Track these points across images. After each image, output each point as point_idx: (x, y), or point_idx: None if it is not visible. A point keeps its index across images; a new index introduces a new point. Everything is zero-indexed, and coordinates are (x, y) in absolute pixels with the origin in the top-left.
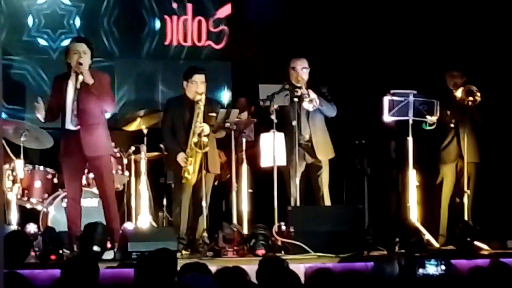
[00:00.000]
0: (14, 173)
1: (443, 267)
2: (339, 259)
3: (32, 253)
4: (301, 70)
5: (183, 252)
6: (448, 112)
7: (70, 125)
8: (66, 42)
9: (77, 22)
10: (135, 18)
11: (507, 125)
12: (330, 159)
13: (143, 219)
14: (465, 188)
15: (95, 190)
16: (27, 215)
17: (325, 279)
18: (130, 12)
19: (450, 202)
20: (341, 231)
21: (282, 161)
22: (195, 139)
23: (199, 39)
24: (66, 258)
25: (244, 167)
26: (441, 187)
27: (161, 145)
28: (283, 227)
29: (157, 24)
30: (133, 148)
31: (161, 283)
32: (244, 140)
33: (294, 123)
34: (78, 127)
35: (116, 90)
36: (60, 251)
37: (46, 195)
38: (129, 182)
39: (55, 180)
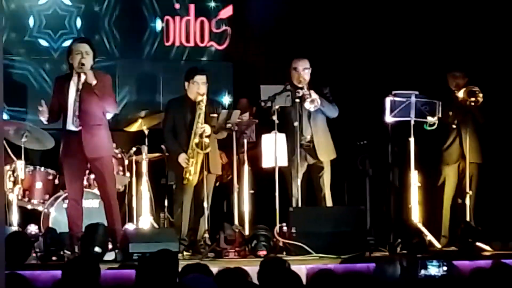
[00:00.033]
0: (15, 174)
1: (445, 268)
2: (341, 260)
3: (33, 254)
4: (303, 70)
5: (185, 253)
6: (450, 113)
7: (71, 126)
8: (67, 43)
9: (78, 22)
10: (136, 19)
11: (509, 126)
12: (332, 160)
13: (144, 220)
14: (467, 189)
15: (96, 191)
16: (28, 216)
17: (326, 280)
18: (131, 13)
19: (452, 203)
20: (343, 232)
21: (283, 162)
22: (197, 140)
23: (202, 40)
24: (67, 259)
25: (246, 168)
26: (443, 188)
27: (162, 146)
28: (285, 228)
29: (159, 24)
30: (134, 149)
31: (162, 284)
32: (245, 141)
33: (296, 124)
34: (80, 128)
35: (117, 91)
36: (61, 252)
37: (47, 196)
38: (130, 183)
39: (56, 181)
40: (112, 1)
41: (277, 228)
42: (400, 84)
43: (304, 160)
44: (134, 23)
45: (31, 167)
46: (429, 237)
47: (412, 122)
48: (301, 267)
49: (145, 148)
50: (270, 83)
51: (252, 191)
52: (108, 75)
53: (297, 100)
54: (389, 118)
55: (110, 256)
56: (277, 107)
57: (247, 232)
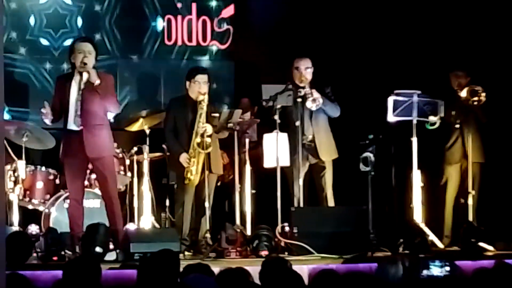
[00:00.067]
0: (15, 174)
1: (447, 268)
2: (343, 260)
3: (34, 254)
4: (305, 70)
5: (186, 253)
6: (453, 113)
7: (73, 125)
8: (68, 42)
9: (79, 22)
10: (137, 18)
11: None
12: (334, 160)
13: (145, 220)
14: (470, 189)
15: (97, 191)
16: (29, 216)
17: (328, 280)
18: (132, 12)
19: (454, 203)
20: (345, 232)
21: (285, 161)
22: (198, 140)
23: (204, 39)
24: (68, 259)
25: (247, 167)
26: (445, 188)
27: (164, 146)
28: (287, 228)
29: (160, 23)
30: (135, 148)
31: (163, 284)
32: (247, 140)
33: (297, 123)
34: (81, 127)
35: (118, 90)
36: (62, 252)
37: (48, 196)
38: (131, 183)
39: (57, 181)
40: (112, 0)
41: (278, 228)
42: (403, 83)
43: (305, 160)
44: (135, 22)
45: (32, 167)
46: (432, 237)
47: (415, 122)
48: (303, 267)
49: (146, 148)
50: (271, 83)
51: (253, 191)
52: (110, 75)
53: (299, 100)
54: (391, 118)
55: (111, 256)
56: (278, 106)
57: (248, 232)
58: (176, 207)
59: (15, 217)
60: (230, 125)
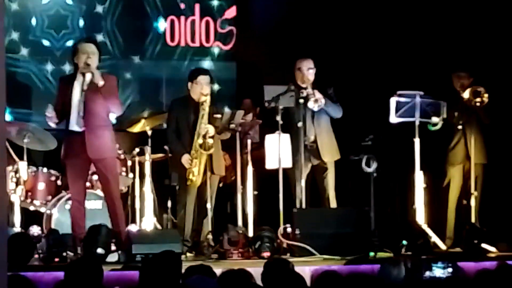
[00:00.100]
0: (17, 175)
1: (450, 269)
2: (345, 262)
3: (36, 256)
4: (307, 70)
5: (188, 254)
6: (456, 114)
7: (75, 126)
8: (69, 43)
9: (81, 22)
10: (139, 19)
11: None
12: (336, 161)
13: (147, 221)
14: (472, 190)
15: (99, 192)
16: (31, 217)
17: (331, 281)
18: (134, 13)
19: (457, 204)
20: (347, 233)
21: (287, 162)
22: (200, 141)
23: (207, 40)
24: (70, 260)
25: (250, 168)
26: (448, 189)
27: (166, 147)
28: (289, 229)
29: (163, 24)
30: (137, 149)
31: (165, 286)
32: (249, 141)
33: (300, 124)
34: (83, 128)
35: (120, 91)
36: (64, 254)
37: (49, 197)
38: (133, 184)
39: (59, 182)
40: (114, 1)
41: (281, 229)
42: (405, 84)
43: (308, 161)
44: (137, 22)
45: (34, 168)
46: (434, 238)
47: (417, 123)
48: (305, 269)
49: (148, 149)
50: (274, 84)
51: (255, 192)
52: (113, 76)
53: (301, 101)
54: (394, 119)
55: (113, 257)
56: (281, 107)
57: (250, 233)
58: (178, 208)
59: (17, 218)
60: (232, 126)
